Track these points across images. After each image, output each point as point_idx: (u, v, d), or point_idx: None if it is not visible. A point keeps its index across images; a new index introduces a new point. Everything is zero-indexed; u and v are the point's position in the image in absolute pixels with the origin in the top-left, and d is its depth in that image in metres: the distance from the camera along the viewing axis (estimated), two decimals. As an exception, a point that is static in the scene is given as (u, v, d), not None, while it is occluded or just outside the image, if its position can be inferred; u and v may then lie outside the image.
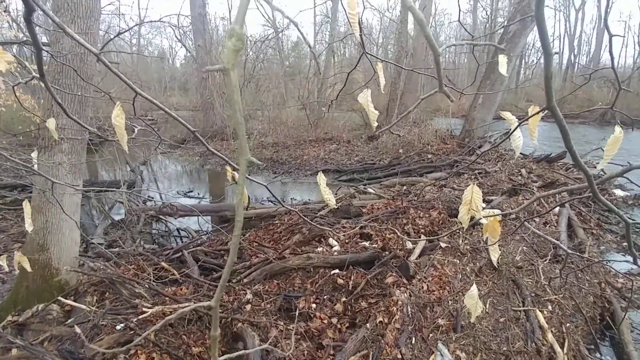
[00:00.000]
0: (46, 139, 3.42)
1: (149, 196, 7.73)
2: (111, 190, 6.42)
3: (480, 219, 1.14)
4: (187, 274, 3.76)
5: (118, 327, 2.60)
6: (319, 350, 3.03)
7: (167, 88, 27.67)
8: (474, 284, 1.31)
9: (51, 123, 1.26)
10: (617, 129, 0.83)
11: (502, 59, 1.16)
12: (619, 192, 7.74)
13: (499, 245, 4.32)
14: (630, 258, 5.18)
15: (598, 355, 3.47)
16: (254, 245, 4.46)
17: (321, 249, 4.30)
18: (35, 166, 1.65)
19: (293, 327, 3.27)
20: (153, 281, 3.54)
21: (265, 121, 13.75)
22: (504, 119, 1.16)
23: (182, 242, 5.33)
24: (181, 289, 3.55)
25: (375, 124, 0.99)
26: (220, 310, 3.16)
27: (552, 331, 3.20)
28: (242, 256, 4.33)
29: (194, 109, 18.64)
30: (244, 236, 4.80)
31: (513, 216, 5.21)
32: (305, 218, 1.79)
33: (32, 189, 3.67)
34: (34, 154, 1.71)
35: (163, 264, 3.77)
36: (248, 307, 3.32)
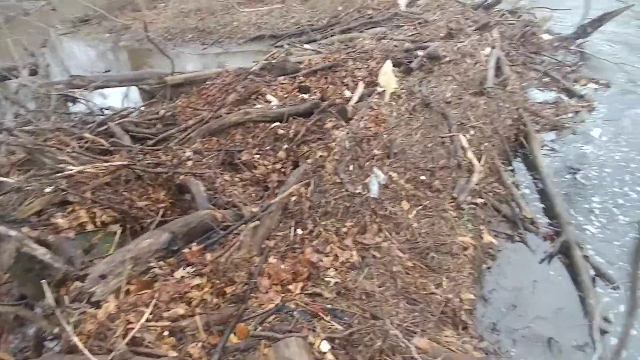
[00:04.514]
0: None
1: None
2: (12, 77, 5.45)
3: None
4: (117, 143, 3.55)
5: (47, 190, 2.47)
6: (266, 191, 3.20)
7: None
8: (388, 61, 1.29)
9: None
10: None
11: None
12: (546, 36, 8.11)
13: (432, 86, 4.37)
14: (546, 92, 5.80)
15: (510, 167, 4.06)
16: (188, 110, 4.22)
17: (259, 105, 4.18)
18: None
19: (239, 177, 3.35)
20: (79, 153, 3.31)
21: (184, -16, 11.63)
22: None
23: (107, 118, 4.88)
24: (114, 157, 3.39)
25: None
26: (160, 167, 3.10)
27: (472, 150, 3.59)
28: (175, 122, 4.12)
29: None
30: (176, 103, 4.49)
31: (448, 59, 5.29)
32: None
33: None
34: None
35: (86, 134, 3.48)
36: (189, 163, 3.29)
